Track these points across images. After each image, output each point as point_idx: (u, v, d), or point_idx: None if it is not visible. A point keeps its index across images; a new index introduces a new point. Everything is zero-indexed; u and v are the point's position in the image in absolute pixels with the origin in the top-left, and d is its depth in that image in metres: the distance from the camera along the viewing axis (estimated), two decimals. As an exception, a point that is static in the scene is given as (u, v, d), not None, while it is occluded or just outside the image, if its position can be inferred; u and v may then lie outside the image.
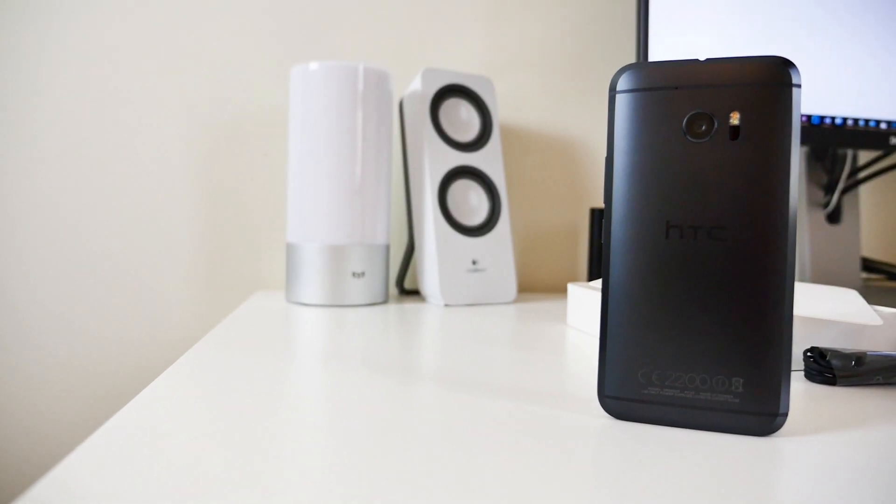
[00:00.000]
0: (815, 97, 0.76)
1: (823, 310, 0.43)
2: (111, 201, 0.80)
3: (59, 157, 0.78)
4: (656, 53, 0.73)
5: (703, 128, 0.28)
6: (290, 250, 0.69)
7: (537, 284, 0.91)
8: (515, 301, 0.75)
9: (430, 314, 0.63)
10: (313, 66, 0.66)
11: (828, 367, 0.38)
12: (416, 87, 0.73)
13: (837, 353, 0.38)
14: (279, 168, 0.83)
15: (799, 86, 0.27)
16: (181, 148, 0.81)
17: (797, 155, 0.27)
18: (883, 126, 0.77)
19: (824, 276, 0.82)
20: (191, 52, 0.81)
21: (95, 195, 0.79)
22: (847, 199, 0.83)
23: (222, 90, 0.81)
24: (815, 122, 0.76)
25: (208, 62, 0.81)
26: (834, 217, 0.83)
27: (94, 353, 0.79)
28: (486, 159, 0.74)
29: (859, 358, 0.37)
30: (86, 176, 0.79)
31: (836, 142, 0.77)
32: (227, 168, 0.82)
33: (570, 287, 0.58)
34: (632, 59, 0.90)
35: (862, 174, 0.83)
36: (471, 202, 0.74)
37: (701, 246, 0.28)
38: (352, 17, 0.84)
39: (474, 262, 0.71)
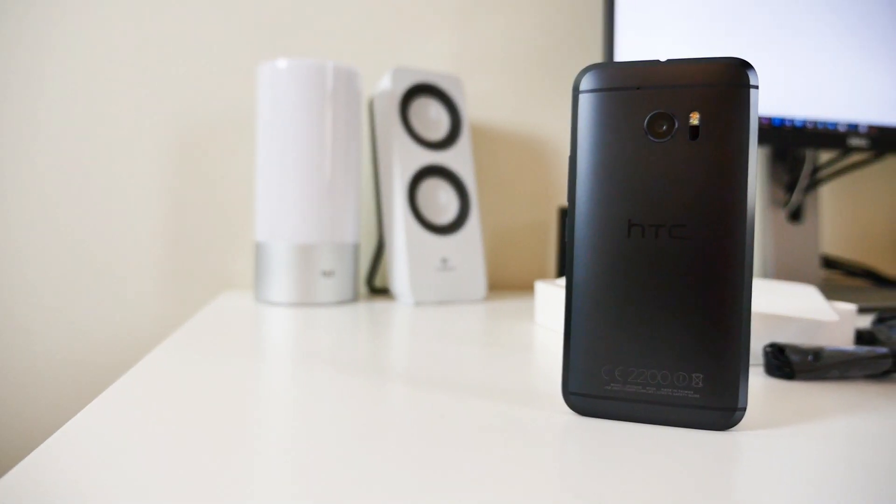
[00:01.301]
0: (777, 99, 0.77)
1: (783, 306, 0.44)
2: (78, 200, 0.78)
3: (21, 155, 0.77)
4: (623, 53, 0.73)
5: (664, 128, 0.28)
6: (259, 249, 0.68)
7: (507, 282, 0.91)
8: (485, 299, 0.76)
9: (399, 312, 0.63)
10: (281, 63, 0.66)
11: (786, 362, 0.39)
12: (386, 86, 0.73)
13: (796, 349, 0.39)
14: (248, 166, 0.82)
15: (756, 87, 0.28)
16: (148, 146, 0.80)
17: (755, 154, 0.28)
18: (841, 128, 0.79)
19: (786, 274, 0.83)
20: (157, 47, 0.79)
21: (61, 193, 0.78)
22: (808, 198, 0.85)
23: (190, 87, 0.80)
24: (777, 123, 0.77)
25: (175, 59, 0.80)
26: (795, 216, 0.85)
27: (56, 351, 0.78)
28: (456, 158, 0.75)
29: (817, 353, 0.38)
30: (50, 173, 0.77)
31: (796, 143, 0.78)
32: (195, 166, 0.81)
33: (538, 285, 0.59)
34: (600, 58, 0.91)
35: (822, 174, 0.86)
36: (440, 201, 0.74)
37: (662, 244, 0.28)
38: (320, 14, 0.83)
39: (444, 261, 0.71)
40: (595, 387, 0.30)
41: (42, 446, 0.24)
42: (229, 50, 0.81)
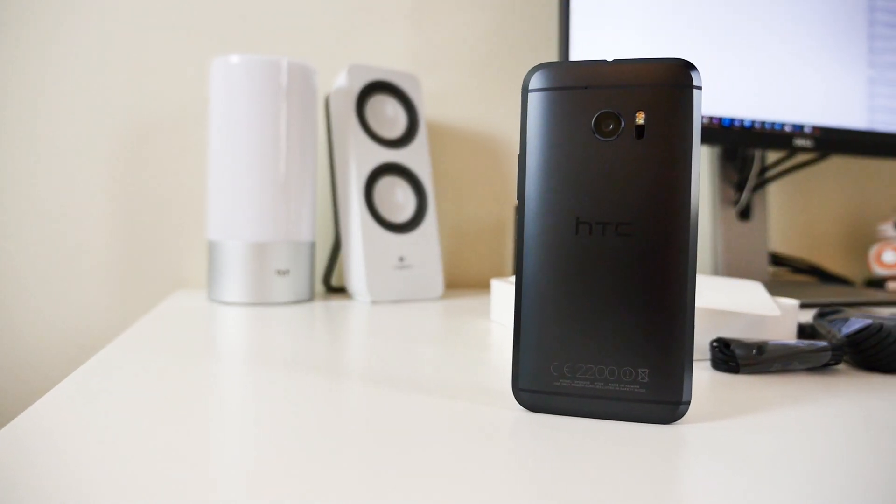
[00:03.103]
0: (727, 100, 0.79)
1: (729, 302, 0.45)
2: (27, 197, 0.75)
3: (-41, 150, 0.74)
4: (578, 52, 0.74)
5: (611, 127, 0.29)
6: (212, 248, 0.67)
7: (464, 280, 0.92)
8: (442, 297, 0.76)
9: (356, 311, 0.63)
10: (234, 59, 0.65)
11: (731, 357, 0.40)
12: (342, 83, 0.72)
13: (740, 343, 0.40)
14: (200, 163, 0.81)
15: (700, 87, 0.28)
16: (99, 142, 0.77)
17: (699, 153, 0.29)
18: (788, 128, 0.82)
19: (735, 270, 0.86)
20: (109, 42, 0.77)
21: (9, 190, 0.75)
22: (756, 196, 0.88)
23: (142, 83, 0.78)
24: (726, 123, 0.79)
25: (126, 54, 0.78)
26: (744, 214, 0.87)
27: (3, 349, 0.75)
28: (413, 156, 0.74)
29: (760, 347, 0.40)
30: (-11, 170, 0.75)
31: (745, 143, 0.81)
32: (147, 163, 0.79)
33: (494, 283, 0.59)
34: (555, 58, 0.92)
35: (770, 173, 0.88)
36: (397, 199, 0.74)
37: (609, 241, 0.29)
38: (275, 10, 0.82)
39: (401, 259, 0.71)
40: (544, 383, 0.30)
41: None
42: (182, 45, 0.79)
